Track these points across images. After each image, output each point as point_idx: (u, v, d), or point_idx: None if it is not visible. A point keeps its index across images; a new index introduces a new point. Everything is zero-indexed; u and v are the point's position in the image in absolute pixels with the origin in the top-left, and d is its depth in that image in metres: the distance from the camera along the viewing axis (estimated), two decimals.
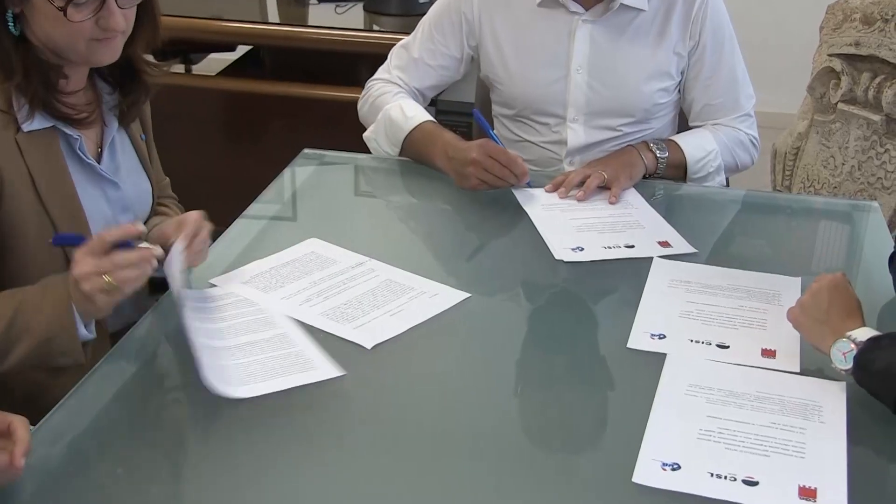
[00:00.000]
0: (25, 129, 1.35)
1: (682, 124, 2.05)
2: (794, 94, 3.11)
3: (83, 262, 1.25)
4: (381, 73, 2.05)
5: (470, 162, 1.78)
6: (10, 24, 1.32)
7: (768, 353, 1.36)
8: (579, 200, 1.80)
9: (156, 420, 1.26)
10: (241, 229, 1.73)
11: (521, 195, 1.82)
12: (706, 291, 1.51)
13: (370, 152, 2.01)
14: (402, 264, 1.58)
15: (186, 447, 1.22)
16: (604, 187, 1.83)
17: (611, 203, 1.80)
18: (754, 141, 2.00)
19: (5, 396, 1.41)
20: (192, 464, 1.19)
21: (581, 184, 1.82)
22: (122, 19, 1.36)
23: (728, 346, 1.37)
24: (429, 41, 1.98)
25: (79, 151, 1.42)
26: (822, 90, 2.76)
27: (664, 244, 1.67)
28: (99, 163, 1.47)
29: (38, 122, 1.37)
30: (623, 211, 1.79)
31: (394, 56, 2.04)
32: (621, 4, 1.85)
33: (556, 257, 1.62)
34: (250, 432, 1.20)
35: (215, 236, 1.66)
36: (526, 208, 1.79)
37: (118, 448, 1.19)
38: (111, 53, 1.39)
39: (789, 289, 1.52)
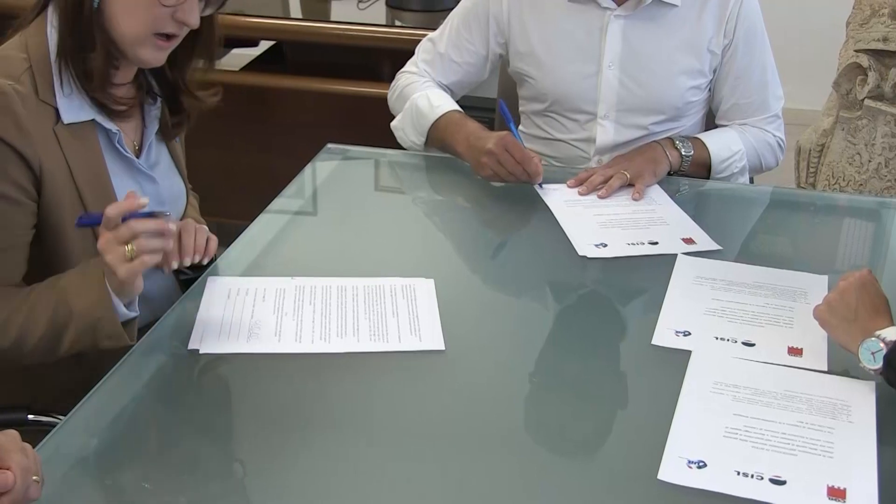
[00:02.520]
0: (66, 121, 1.36)
1: (710, 124, 2.03)
2: (818, 91, 3.08)
3: (102, 236, 1.27)
4: (409, 65, 2.06)
5: (486, 152, 1.78)
6: (94, 1, 1.33)
7: (795, 352, 1.35)
8: (601, 198, 1.79)
9: (183, 414, 1.27)
10: (265, 224, 1.73)
11: (543, 190, 1.81)
12: (731, 289, 1.50)
13: (393, 147, 2.02)
14: (425, 260, 1.58)
15: (213, 444, 1.23)
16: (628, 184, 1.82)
17: (634, 199, 1.79)
18: (781, 143, 1.98)
19: (43, 386, 1.43)
20: (218, 457, 1.20)
21: (604, 182, 1.82)
22: (198, 17, 1.38)
23: (754, 344, 1.36)
24: (456, 37, 1.99)
25: (117, 145, 1.43)
26: (849, 86, 2.73)
27: (688, 241, 1.66)
28: (137, 158, 1.48)
29: (77, 114, 1.38)
30: (647, 207, 1.78)
31: (421, 49, 2.05)
32: None
33: (580, 253, 1.62)
34: (275, 428, 1.21)
35: (239, 231, 1.67)
36: (549, 203, 1.78)
37: (142, 443, 1.20)
38: (160, 57, 1.40)
39: (815, 286, 1.51)
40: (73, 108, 1.37)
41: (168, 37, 1.38)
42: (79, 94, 1.37)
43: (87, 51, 1.34)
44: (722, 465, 1.12)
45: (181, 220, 1.60)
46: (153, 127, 1.50)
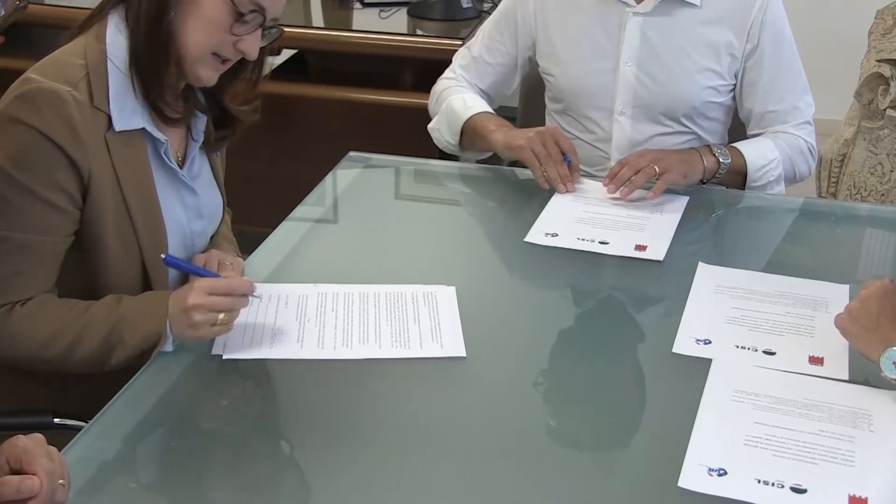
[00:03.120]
0: (117, 129, 1.37)
1: (733, 134, 2.02)
2: (840, 100, 3.07)
3: (202, 296, 1.31)
4: (447, 71, 2.12)
5: (535, 132, 1.85)
6: (172, 13, 1.35)
7: (816, 361, 1.35)
8: (623, 197, 1.80)
9: (206, 419, 1.28)
10: (287, 232, 1.74)
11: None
12: (752, 297, 1.50)
13: (414, 155, 2.04)
14: (446, 267, 1.59)
15: (236, 448, 1.24)
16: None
17: (648, 198, 1.78)
18: (812, 149, 1.96)
19: (67, 391, 1.45)
20: (241, 461, 1.21)
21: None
22: (257, 51, 1.41)
23: (775, 353, 1.36)
24: (488, 41, 2.05)
25: (164, 156, 1.44)
26: (870, 96, 2.72)
27: (640, 248, 1.66)
28: (181, 169, 1.49)
29: (129, 122, 1.39)
30: (643, 214, 1.77)
31: (458, 56, 2.12)
32: None
33: (524, 238, 1.68)
34: (296, 434, 1.22)
35: (261, 239, 1.69)
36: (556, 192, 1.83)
37: (166, 447, 1.21)
38: (214, 77, 1.42)
39: (837, 296, 1.50)
40: (126, 116, 1.38)
41: (224, 60, 1.40)
42: (134, 102, 1.38)
43: (160, 60, 1.36)
44: (742, 473, 1.13)
45: (213, 234, 1.62)
46: (199, 139, 1.51)
